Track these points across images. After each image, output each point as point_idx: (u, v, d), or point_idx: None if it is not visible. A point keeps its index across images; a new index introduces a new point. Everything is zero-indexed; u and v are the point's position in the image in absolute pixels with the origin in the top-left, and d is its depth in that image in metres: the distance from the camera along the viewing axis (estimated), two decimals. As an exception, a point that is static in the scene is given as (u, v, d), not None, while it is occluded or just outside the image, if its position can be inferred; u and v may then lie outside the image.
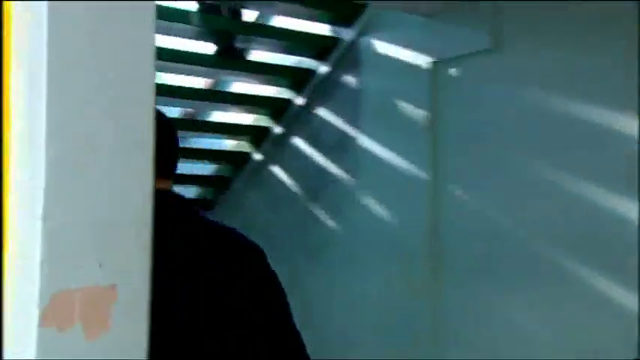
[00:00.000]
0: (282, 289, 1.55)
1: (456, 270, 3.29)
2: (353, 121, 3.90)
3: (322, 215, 4.07)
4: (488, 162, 3.19)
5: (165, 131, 1.45)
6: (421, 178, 3.47)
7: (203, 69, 4.12)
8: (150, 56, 0.79)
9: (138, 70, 0.77)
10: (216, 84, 4.58)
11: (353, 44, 3.91)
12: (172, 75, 4.55)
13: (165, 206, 1.34)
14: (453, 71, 3.36)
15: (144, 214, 0.74)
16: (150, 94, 0.76)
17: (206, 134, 4.73)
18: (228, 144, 4.82)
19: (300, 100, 4.23)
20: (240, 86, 4.55)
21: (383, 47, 3.77)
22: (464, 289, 3.24)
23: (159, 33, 3.67)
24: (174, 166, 1.52)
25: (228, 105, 4.47)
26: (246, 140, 4.62)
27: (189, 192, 5.05)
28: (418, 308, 3.43)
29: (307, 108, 4.20)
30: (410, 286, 3.50)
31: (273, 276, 1.54)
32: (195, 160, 4.84)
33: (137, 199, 0.74)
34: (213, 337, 1.35)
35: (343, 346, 3.74)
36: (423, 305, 3.41)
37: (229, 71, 4.24)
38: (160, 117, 1.30)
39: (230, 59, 4.16)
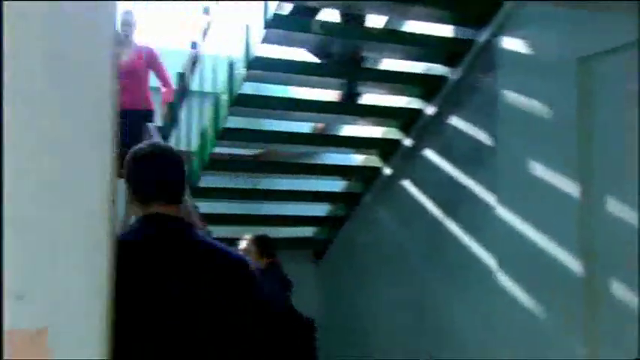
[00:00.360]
0: (262, 290, 1.85)
1: (614, 296, 2.83)
2: (489, 130, 3.54)
3: (458, 233, 3.74)
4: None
5: (174, 163, 1.79)
6: (570, 191, 3.05)
7: (331, 81, 3.95)
8: (105, 59, 0.59)
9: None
10: (344, 97, 4.42)
11: (487, 45, 3.57)
12: (300, 89, 4.45)
13: (170, 228, 1.72)
14: (603, 67, 2.93)
15: (98, 222, 0.51)
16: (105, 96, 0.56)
17: (335, 149, 4.56)
18: (358, 159, 4.62)
19: (430, 110, 3.94)
20: (369, 97, 4.35)
21: (521, 46, 3.38)
22: (625, 318, 2.77)
23: (281, 44, 3.58)
24: (181, 194, 1.78)
25: (357, 118, 4.28)
26: (376, 154, 4.40)
27: (321, 210, 4.91)
28: (571, 338, 3.00)
29: (439, 117, 3.90)
30: (561, 313, 3.07)
31: (254, 279, 1.81)
32: (325, 177, 4.70)
33: (87, 198, 0.52)
34: (209, 329, 1.66)
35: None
36: (576, 335, 2.97)
37: (357, 83, 4.05)
38: (170, 151, 1.81)
39: (357, 70, 3.97)
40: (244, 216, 4.66)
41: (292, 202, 4.85)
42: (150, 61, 4.82)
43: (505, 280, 3.38)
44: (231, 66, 3.55)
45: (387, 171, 4.33)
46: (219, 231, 3.96)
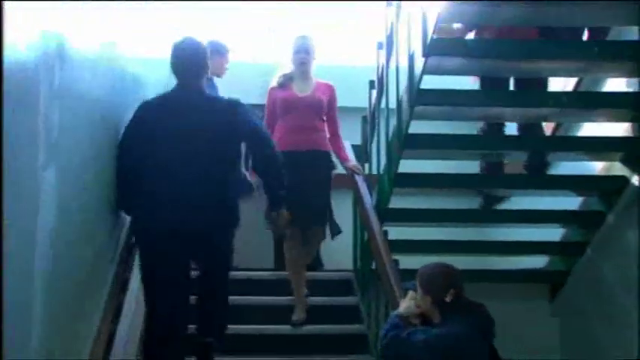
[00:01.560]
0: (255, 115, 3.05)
1: None
2: None
3: None
4: None
5: (192, 52, 2.89)
6: None
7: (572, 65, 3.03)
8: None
9: None
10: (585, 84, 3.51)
11: None
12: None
13: (181, 92, 2.87)
14: None
15: None
16: None
17: (571, 154, 3.61)
18: (596, 167, 3.63)
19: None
20: (613, 83, 3.36)
21: None
22: None
23: (461, 21, 2.73)
24: (196, 73, 2.88)
25: (598, 111, 3.27)
26: (619, 159, 3.38)
27: (554, 234, 3.96)
28: None
29: None
30: None
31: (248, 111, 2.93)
32: (558, 192, 3.76)
33: None
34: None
35: None
36: None
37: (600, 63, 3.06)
38: (192, 43, 2.92)
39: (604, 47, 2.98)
40: (462, 243, 3.91)
41: (519, 224, 3.99)
42: (330, 100, 3.83)
43: None
44: (411, 58, 2.92)
45: (636, 180, 3.29)
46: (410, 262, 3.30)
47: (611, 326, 3.55)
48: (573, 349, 3.94)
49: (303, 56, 3.80)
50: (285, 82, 3.82)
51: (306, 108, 3.75)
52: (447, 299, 2.41)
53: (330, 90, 3.86)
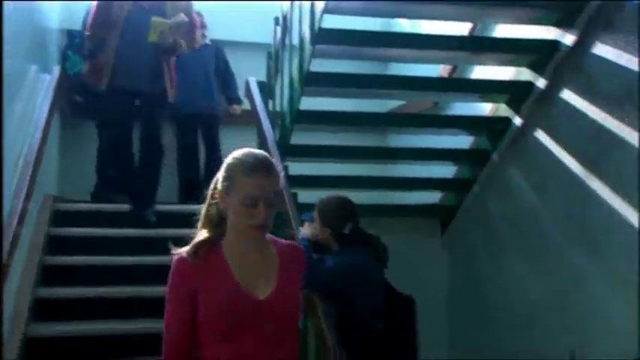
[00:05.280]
0: None
1: None
2: (647, 58, 2.67)
3: (606, 194, 2.91)
4: None
5: None
6: None
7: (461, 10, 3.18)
8: None
9: None
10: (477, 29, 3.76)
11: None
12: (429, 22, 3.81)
13: None
14: None
15: None
16: None
17: (460, 95, 3.83)
18: (486, 108, 3.87)
19: (569, 39, 3.11)
20: (502, 29, 3.58)
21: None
22: None
23: None
24: None
25: (486, 55, 3.46)
26: (504, 101, 3.63)
27: (446, 171, 4.23)
28: None
29: (580, 48, 3.05)
30: None
31: None
32: (448, 131, 3.99)
33: None
34: None
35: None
36: None
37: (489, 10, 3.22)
38: None
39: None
40: (360, 179, 4.08)
41: (414, 161, 4.23)
42: None
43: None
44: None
45: (518, 121, 3.55)
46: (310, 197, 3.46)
47: (491, 255, 3.87)
48: (459, 279, 4.27)
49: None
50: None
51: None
52: (346, 231, 2.57)
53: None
